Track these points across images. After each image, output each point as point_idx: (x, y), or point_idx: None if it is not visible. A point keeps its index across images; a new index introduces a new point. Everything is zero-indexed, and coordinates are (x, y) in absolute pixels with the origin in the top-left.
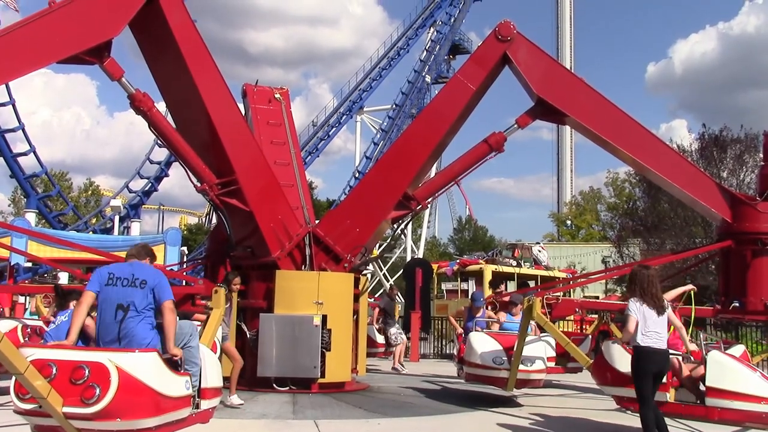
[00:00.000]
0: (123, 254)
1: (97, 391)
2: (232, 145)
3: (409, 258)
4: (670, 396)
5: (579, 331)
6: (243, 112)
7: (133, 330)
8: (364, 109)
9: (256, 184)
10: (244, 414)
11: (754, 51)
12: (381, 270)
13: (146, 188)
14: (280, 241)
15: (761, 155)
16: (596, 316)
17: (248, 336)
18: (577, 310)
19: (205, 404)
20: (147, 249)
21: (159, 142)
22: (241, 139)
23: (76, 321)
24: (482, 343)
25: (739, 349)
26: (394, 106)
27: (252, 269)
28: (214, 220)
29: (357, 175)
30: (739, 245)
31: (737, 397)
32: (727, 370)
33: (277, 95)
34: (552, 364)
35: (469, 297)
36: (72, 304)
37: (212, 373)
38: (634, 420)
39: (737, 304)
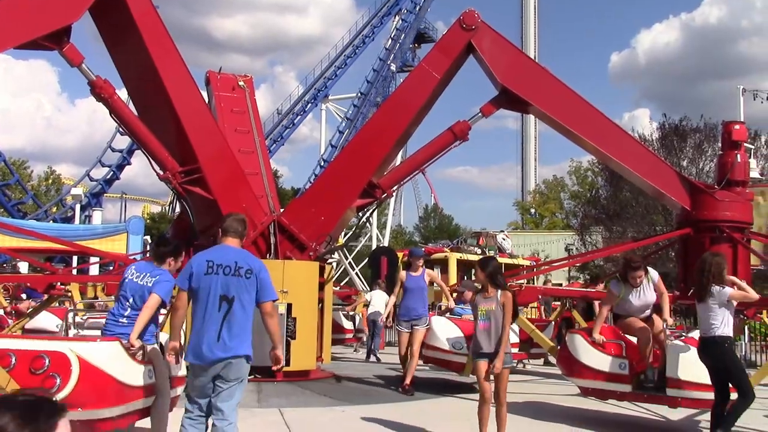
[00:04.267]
0: (84, 243)
1: (58, 381)
2: (195, 133)
3: (374, 246)
4: (631, 387)
5: (542, 317)
6: (206, 100)
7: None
8: (330, 97)
9: (220, 173)
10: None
11: (716, 42)
12: (346, 258)
13: (108, 176)
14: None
15: (720, 144)
16: (559, 303)
17: None
18: (540, 296)
19: (172, 392)
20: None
21: (121, 129)
22: (204, 127)
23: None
24: (444, 328)
25: (697, 334)
26: (359, 94)
27: None
28: (178, 209)
29: (322, 163)
30: (697, 233)
31: (697, 387)
32: (686, 360)
33: (241, 83)
34: (515, 350)
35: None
36: (170, 260)
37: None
38: (596, 404)
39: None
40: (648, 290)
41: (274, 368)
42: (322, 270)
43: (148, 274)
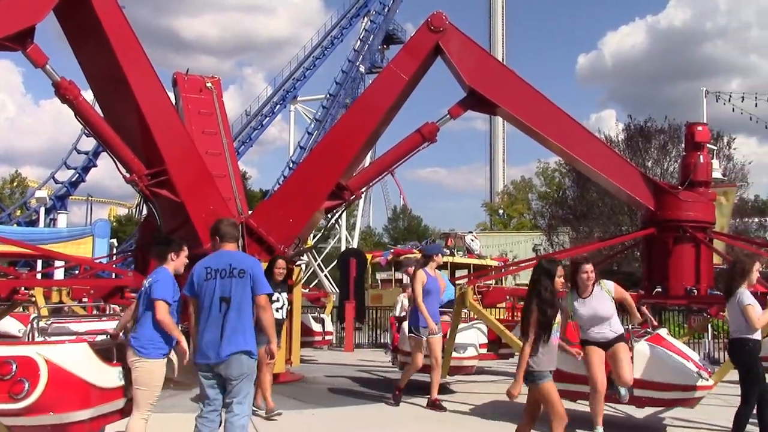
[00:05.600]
0: (49, 246)
1: (26, 385)
2: (161, 135)
3: (343, 248)
4: None
5: (510, 318)
6: (173, 102)
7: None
8: (298, 98)
9: (187, 175)
10: (176, 407)
11: (681, 44)
12: (316, 260)
13: (73, 179)
14: None
15: (683, 145)
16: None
17: (181, 328)
18: (508, 297)
19: None
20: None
21: (86, 131)
22: (171, 129)
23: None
24: None
25: (662, 333)
26: (328, 95)
27: None
28: (145, 212)
29: (291, 165)
30: (661, 232)
31: (660, 387)
32: (650, 360)
33: (209, 84)
34: (484, 351)
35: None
36: (171, 255)
37: None
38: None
39: (660, 290)
40: (600, 300)
41: (267, 362)
42: (290, 272)
43: (149, 278)
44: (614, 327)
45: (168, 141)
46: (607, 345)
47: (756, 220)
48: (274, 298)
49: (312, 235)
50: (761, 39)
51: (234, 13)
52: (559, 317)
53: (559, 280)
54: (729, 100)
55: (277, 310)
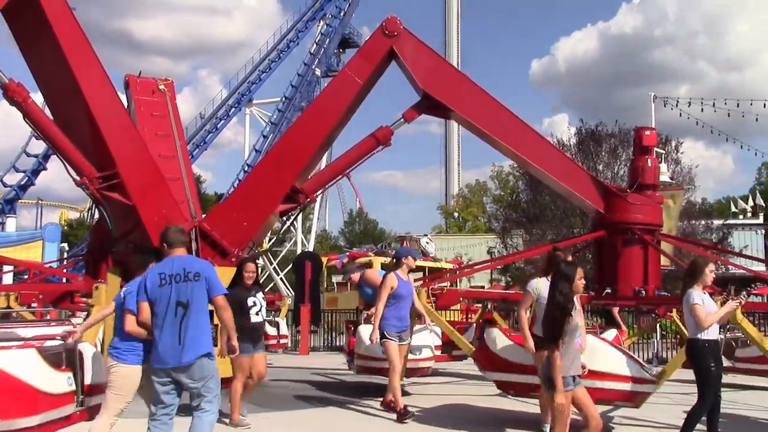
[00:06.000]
0: None
1: None
2: (112, 137)
3: (299, 251)
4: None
5: (465, 320)
6: (125, 104)
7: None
8: (254, 101)
9: (139, 178)
10: (126, 412)
11: (631, 50)
12: (271, 264)
13: (23, 182)
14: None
15: (632, 149)
16: (481, 305)
17: None
18: (462, 299)
19: (87, 401)
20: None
21: (36, 134)
22: (122, 131)
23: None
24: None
25: (611, 333)
26: (283, 99)
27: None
28: (97, 215)
29: (246, 168)
30: (611, 235)
31: (605, 377)
32: (596, 352)
33: (162, 86)
34: (438, 353)
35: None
36: (152, 265)
37: (95, 370)
38: (514, 404)
39: (609, 291)
40: None
41: (230, 356)
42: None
43: (126, 288)
44: None
45: (119, 143)
46: None
47: (703, 222)
48: (250, 302)
49: (267, 239)
50: (708, 46)
51: (189, 15)
52: (581, 322)
53: (580, 283)
54: (677, 105)
55: (256, 314)
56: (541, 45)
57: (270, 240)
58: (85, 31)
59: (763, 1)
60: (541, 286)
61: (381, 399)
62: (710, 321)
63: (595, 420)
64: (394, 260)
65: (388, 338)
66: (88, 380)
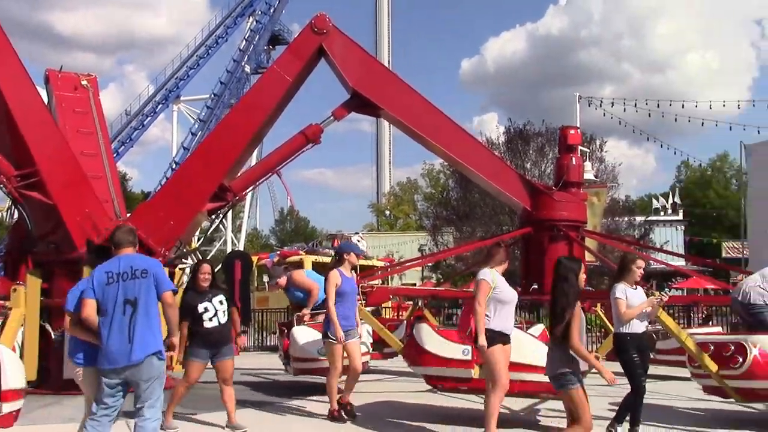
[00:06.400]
0: None
1: None
2: (31, 134)
3: (229, 250)
4: (474, 373)
5: (396, 317)
6: (45, 100)
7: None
8: (182, 98)
9: (60, 176)
10: (50, 418)
11: (558, 51)
12: None
13: None
14: (87, 236)
15: (558, 148)
16: (411, 302)
17: (53, 337)
18: (392, 296)
19: (6, 407)
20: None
21: None
22: (42, 128)
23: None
24: (305, 336)
25: (538, 329)
26: (212, 96)
27: (57, 266)
28: (16, 215)
29: (174, 166)
30: (537, 231)
31: (530, 369)
32: (522, 345)
33: (84, 82)
34: (370, 350)
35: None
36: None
37: (13, 374)
38: (444, 399)
39: (536, 286)
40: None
41: (169, 354)
42: (172, 276)
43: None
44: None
45: (39, 141)
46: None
47: (626, 219)
48: (201, 309)
49: (196, 238)
50: (632, 48)
51: (114, 9)
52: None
53: (582, 277)
54: (600, 105)
55: (210, 319)
56: (471, 45)
57: (199, 239)
58: (4, 23)
59: (685, 5)
60: (495, 277)
61: (316, 398)
62: (629, 315)
63: (587, 423)
64: (336, 256)
65: (330, 339)
66: (5, 386)
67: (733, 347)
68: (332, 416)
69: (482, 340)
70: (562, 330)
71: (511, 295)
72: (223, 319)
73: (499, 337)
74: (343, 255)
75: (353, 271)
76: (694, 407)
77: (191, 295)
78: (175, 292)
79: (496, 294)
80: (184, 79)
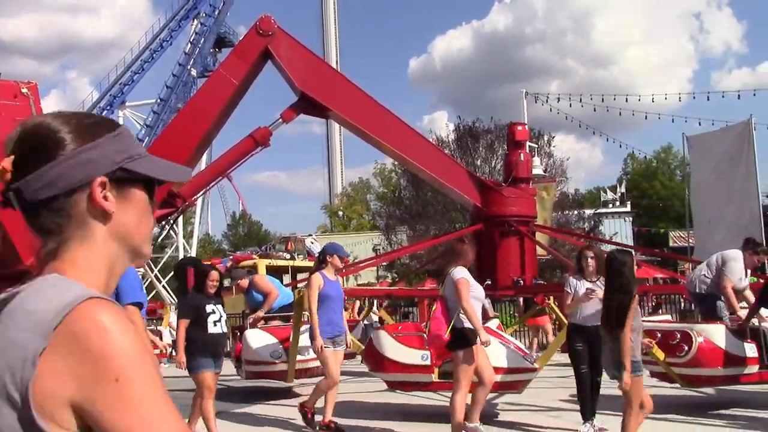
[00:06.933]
0: None
1: None
2: None
3: (181, 257)
4: (434, 376)
5: (353, 317)
6: None
7: None
8: (127, 103)
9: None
10: None
11: (504, 48)
12: (152, 271)
13: None
14: (33, 248)
15: (506, 144)
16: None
17: None
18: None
19: None
20: None
21: None
22: None
23: None
24: (258, 339)
25: (494, 323)
26: (158, 100)
27: (1, 280)
28: None
29: None
30: (488, 228)
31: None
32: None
33: (24, 90)
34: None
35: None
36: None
37: None
38: (403, 398)
39: (489, 282)
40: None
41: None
42: None
43: None
44: None
45: None
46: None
47: (575, 212)
48: (209, 309)
49: None
50: (575, 44)
51: (54, 13)
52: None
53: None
54: (547, 101)
55: (214, 323)
56: (418, 44)
57: None
58: None
59: (625, 1)
60: (468, 274)
61: (270, 402)
62: (570, 307)
63: (649, 404)
64: (319, 258)
65: (326, 347)
66: None
67: (679, 336)
68: (327, 428)
69: (486, 337)
70: (614, 321)
71: (481, 292)
72: (225, 329)
73: (473, 336)
74: (327, 257)
75: (337, 274)
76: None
77: (197, 296)
78: (141, 306)
79: (471, 292)
80: (128, 84)
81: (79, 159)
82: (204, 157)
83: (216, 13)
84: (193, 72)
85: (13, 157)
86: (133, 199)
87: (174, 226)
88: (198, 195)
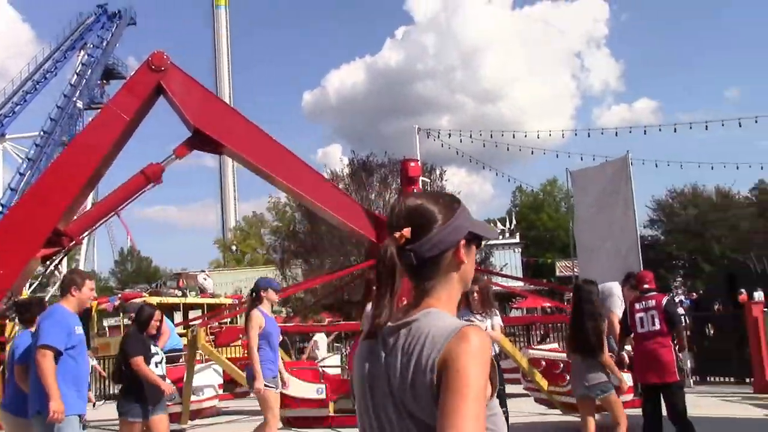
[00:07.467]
0: None
1: None
2: None
3: None
4: (330, 410)
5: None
6: None
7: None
8: (7, 136)
9: None
10: None
11: (396, 83)
12: None
13: None
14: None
15: (400, 180)
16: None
17: None
18: (242, 335)
19: None
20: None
21: None
22: None
23: None
24: None
25: None
26: (41, 133)
27: None
28: None
29: (1, 209)
30: None
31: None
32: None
33: None
34: (221, 392)
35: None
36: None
37: None
38: None
39: None
40: None
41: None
42: (2, 328)
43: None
44: None
45: None
46: None
47: None
48: (153, 350)
49: (28, 284)
50: (464, 80)
51: None
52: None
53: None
54: (438, 137)
55: (156, 365)
56: (312, 78)
57: (31, 285)
58: None
59: (510, 41)
60: None
61: None
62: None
63: (623, 423)
64: (253, 295)
65: (268, 385)
66: None
67: (562, 365)
68: None
69: None
70: (594, 345)
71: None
72: (163, 371)
73: None
74: (260, 292)
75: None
76: (532, 421)
77: (140, 336)
78: (44, 347)
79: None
80: (9, 115)
81: (450, 229)
82: (90, 195)
83: (104, 44)
84: (80, 104)
85: (409, 228)
86: (472, 252)
87: (58, 264)
88: (85, 234)
